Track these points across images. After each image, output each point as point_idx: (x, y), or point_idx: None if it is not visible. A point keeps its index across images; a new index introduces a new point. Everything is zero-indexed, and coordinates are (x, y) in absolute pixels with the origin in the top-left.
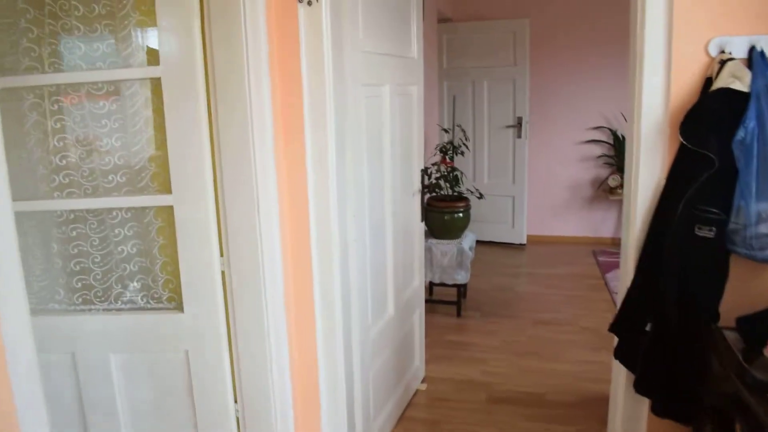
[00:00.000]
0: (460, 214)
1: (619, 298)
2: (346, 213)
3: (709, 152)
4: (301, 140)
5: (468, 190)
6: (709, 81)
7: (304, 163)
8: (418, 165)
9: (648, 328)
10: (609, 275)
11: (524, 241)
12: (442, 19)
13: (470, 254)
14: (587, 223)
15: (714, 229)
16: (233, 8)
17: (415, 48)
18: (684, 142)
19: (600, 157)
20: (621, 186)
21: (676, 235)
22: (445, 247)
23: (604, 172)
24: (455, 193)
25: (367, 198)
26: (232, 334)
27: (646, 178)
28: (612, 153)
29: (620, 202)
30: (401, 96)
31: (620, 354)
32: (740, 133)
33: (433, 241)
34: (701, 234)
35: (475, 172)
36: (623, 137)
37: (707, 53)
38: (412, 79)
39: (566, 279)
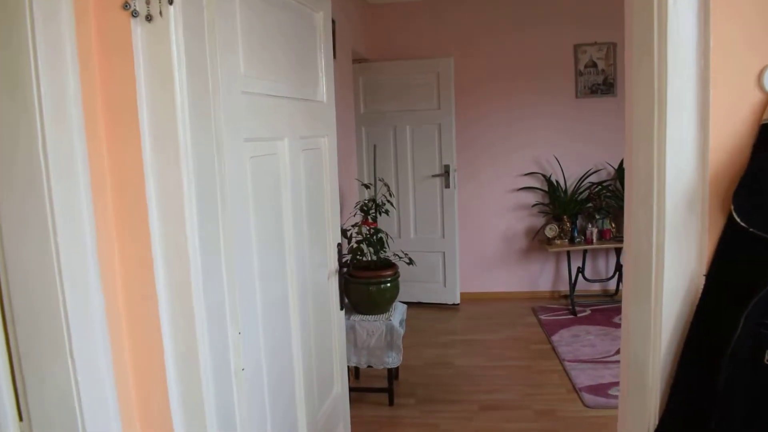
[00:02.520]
0: (388, 284)
1: None
2: (228, 331)
3: None
4: (142, 231)
5: (395, 254)
6: (766, 128)
7: (150, 264)
8: (333, 238)
9: None
10: (555, 338)
11: (458, 301)
12: (358, 59)
13: (401, 331)
14: (524, 277)
15: None
16: (15, 23)
17: (324, 90)
18: (739, 222)
19: (535, 205)
20: (559, 236)
21: (736, 364)
22: (371, 325)
23: (538, 221)
24: (380, 259)
25: (261, 300)
26: None
27: (675, 275)
28: (546, 201)
29: (558, 254)
30: (307, 151)
31: None
32: None
33: (357, 318)
34: None
35: (401, 227)
36: (557, 183)
37: (761, 87)
38: (321, 128)
39: (509, 346)
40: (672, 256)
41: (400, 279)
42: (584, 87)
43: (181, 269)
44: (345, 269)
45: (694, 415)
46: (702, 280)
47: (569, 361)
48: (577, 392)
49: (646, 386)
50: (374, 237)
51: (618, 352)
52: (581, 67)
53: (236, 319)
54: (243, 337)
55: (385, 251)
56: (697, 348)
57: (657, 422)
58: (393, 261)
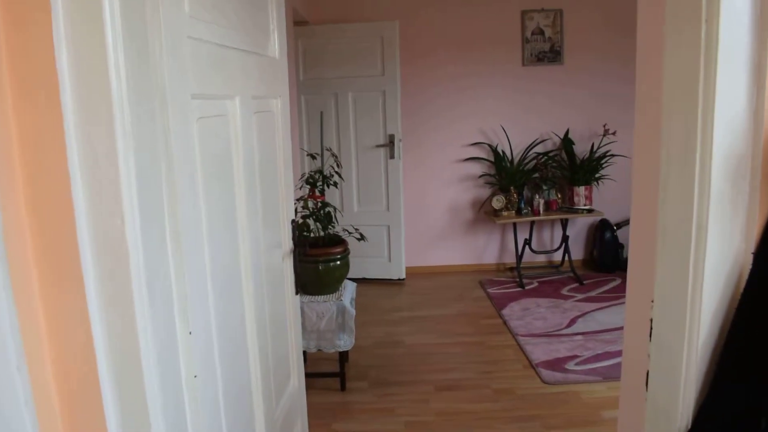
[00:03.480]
0: (338, 262)
1: None
2: (177, 331)
3: None
4: (63, 212)
5: (345, 229)
6: None
7: (75, 252)
8: (288, 214)
9: None
10: (505, 312)
11: (403, 276)
12: (298, 22)
13: (353, 311)
14: (470, 250)
15: None
16: None
17: (276, 43)
18: None
19: (481, 176)
20: (506, 208)
21: None
22: (321, 307)
23: (485, 192)
24: (329, 235)
25: (213, 291)
26: None
27: (717, 252)
28: (493, 171)
29: (504, 226)
30: (260, 114)
31: None
32: None
33: (305, 299)
34: None
35: (343, 199)
36: (503, 153)
37: None
38: (274, 87)
39: (459, 321)
40: (715, 231)
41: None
42: (531, 55)
43: (116, 259)
44: (302, 248)
45: (737, 419)
46: (749, 259)
47: (522, 335)
48: (533, 368)
49: (678, 382)
50: (322, 211)
51: (570, 324)
52: (528, 34)
53: (186, 316)
54: (194, 337)
55: (333, 227)
56: (742, 337)
57: (690, 423)
58: (342, 237)
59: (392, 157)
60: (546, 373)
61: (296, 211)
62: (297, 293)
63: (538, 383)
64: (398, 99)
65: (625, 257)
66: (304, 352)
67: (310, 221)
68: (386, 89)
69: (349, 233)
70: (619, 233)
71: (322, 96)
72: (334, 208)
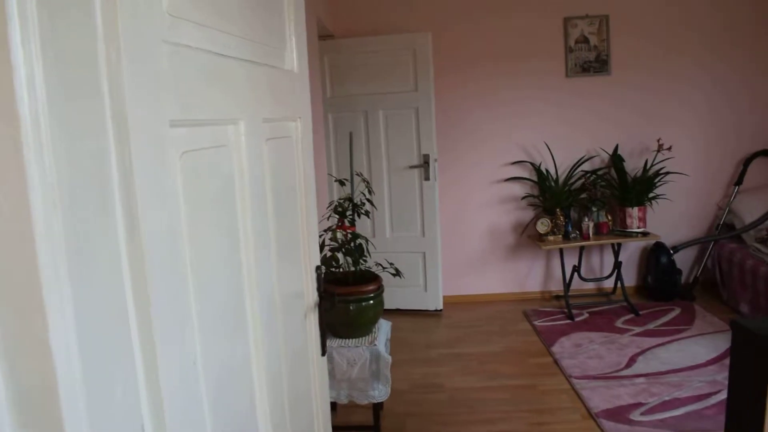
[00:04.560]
0: (371, 301)
1: None
2: None
3: None
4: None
5: (377, 264)
6: None
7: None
8: (311, 259)
9: None
10: (555, 349)
11: (440, 306)
12: (323, 36)
13: (388, 358)
14: (512, 277)
15: None
16: None
17: (294, 54)
18: None
19: (524, 198)
20: (552, 232)
21: None
22: (352, 352)
23: (526, 215)
24: (360, 271)
25: (206, 382)
26: None
27: None
28: (536, 192)
29: (549, 252)
30: (273, 141)
31: None
32: None
33: (334, 343)
34: None
35: (375, 225)
36: (547, 172)
37: None
38: (292, 108)
39: (505, 360)
40: None
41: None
42: (575, 65)
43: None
44: (329, 300)
45: None
46: None
47: (577, 378)
48: (593, 418)
49: None
50: (352, 244)
51: (630, 363)
52: (571, 43)
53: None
54: None
55: (365, 260)
56: None
57: None
58: (375, 272)
59: (427, 178)
60: (609, 426)
61: (323, 244)
62: (324, 354)
63: None
64: (432, 116)
65: (683, 284)
66: (334, 403)
67: (339, 255)
68: (419, 106)
69: (383, 268)
70: (677, 257)
71: (351, 114)
72: (366, 240)
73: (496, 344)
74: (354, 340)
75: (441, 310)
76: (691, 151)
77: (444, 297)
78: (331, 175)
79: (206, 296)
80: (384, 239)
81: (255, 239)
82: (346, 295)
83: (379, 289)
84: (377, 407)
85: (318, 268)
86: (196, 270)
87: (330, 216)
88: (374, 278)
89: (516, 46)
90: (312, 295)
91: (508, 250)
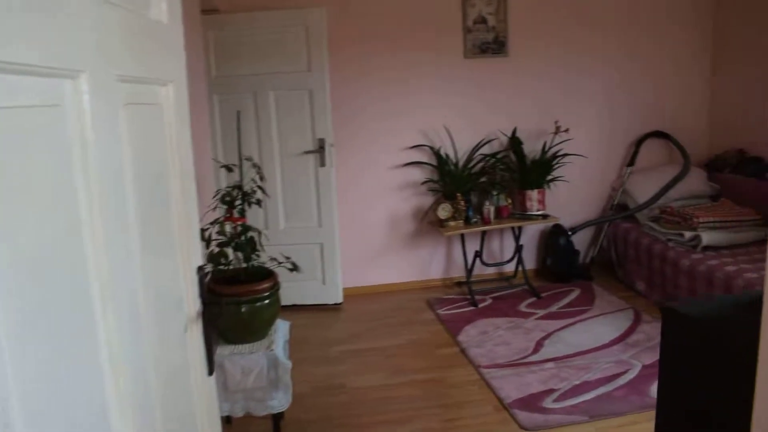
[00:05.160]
0: (266, 301)
1: None
2: None
3: None
4: None
5: (272, 258)
6: None
7: None
8: (191, 257)
9: None
10: (462, 338)
11: (340, 300)
12: (206, 10)
13: (288, 363)
14: (414, 265)
15: None
16: None
17: (164, 3)
18: None
19: (424, 183)
20: (453, 217)
21: None
22: (247, 360)
23: (427, 200)
24: (253, 267)
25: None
26: None
27: None
28: (436, 177)
29: (450, 238)
30: (135, 107)
31: None
32: None
33: (225, 350)
34: None
35: (267, 215)
36: (447, 156)
37: None
38: (162, 67)
39: (411, 353)
40: None
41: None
42: (473, 46)
43: None
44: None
45: None
46: None
47: (486, 367)
48: (506, 409)
49: None
50: (243, 237)
51: (537, 348)
52: (470, 23)
53: None
54: None
55: (258, 255)
56: None
57: None
58: (270, 268)
59: (323, 164)
60: (523, 416)
61: (209, 239)
62: (211, 373)
63: (516, 429)
64: (327, 98)
65: (581, 264)
66: (229, 416)
67: (228, 250)
68: (313, 87)
69: (279, 263)
70: (574, 238)
71: (239, 96)
72: (259, 232)
73: (400, 337)
74: (248, 345)
75: (341, 304)
76: (588, 132)
77: (344, 289)
78: (217, 161)
79: (26, 309)
80: (278, 231)
81: (108, 232)
82: (238, 295)
83: (275, 287)
84: (277, 417)
85: (200, 269)
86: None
87: (217, 206)
88: (269, 275)
89: (414, 26)
90: (194, 302)
91: (409, 237)
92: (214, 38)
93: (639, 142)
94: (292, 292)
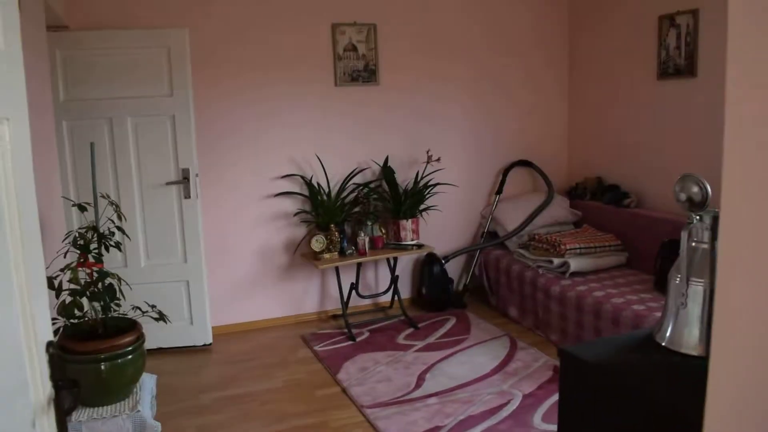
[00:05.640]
0: (129, 357)
1: None
2: None
3: None
4: None
5: (135, 307)
6: None
7: None
8: (35, 331)
9: None
10: (342, 376)
11: (210, 340)
12: (53, 26)
13: (156, 425)
14: (287, 300)
15: None
16: None
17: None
18: None
19: (297, 214)
20: (328, 249)
21: None
22: (109, 426)
23: (299, 232)
24: (112, 318)
25: None
26: None
27: None
28: (309, 207)
29: (325, 270)
30: None
31: None
32: None
33: (83, 415)
34: None
35: (127, 253)
36: (319, 186)
37: None
38: None
39: (289, 396)
40: None
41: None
42: (344, 74)
43: None
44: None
45: None
46: None
47: (369, 407)
48: None
49: None
50: (101, 284)
51: (419, 383)
52: (340, 51)
53: None
54: None
55: (118, 304)
56: None
57: None
58: (132, 318)
59: (187, 196)
60: None
61: (59, 287)
62: None
63: None
64: (192, 124)
65: (455, 292)
66: None
67: (84, 300)
68: (176, 113)
69: (143, 312)
70: (448, 267)
71: (91, 121)
72: (118, 279)
73: (276, 378)
74: (110, 407)
75: (210, 345)
76: (457, 161)
77: (213, 328)
78: (68, 199)
79: None
80: (138, 269)
81: None
82: (96, 352)
83: (139, 340)
84: None
85: (50, 345)
86: None
87: (68, 251)
88: (132, 326)
89: (284, 52)
90: (43, 388)
91: (282, 270)
92: (61, 57)
93: (506, 171)
94: (156, 335)
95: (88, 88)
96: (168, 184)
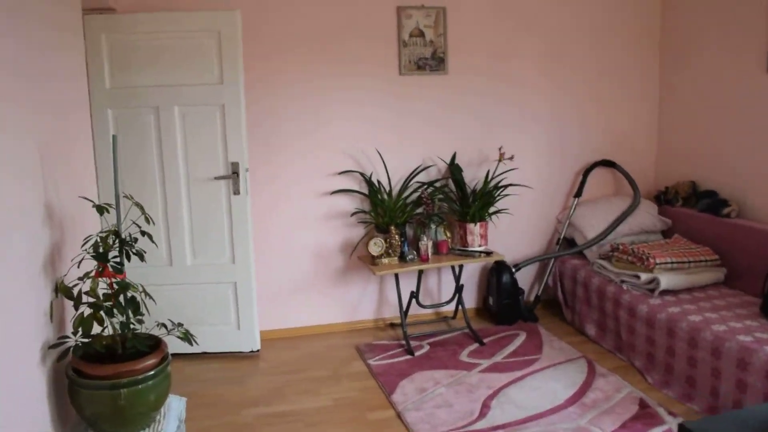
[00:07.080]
0: (150, 382)
1: None
2: None
3: None
4: None
5: (159, 323)
6: None
7: None
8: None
9: None
10: (397, 397)
11: (257, 347)
12: (99, 9)
13: None
14: (341, 305)
15: None
16: None
17: None
18: None
19: (354, 213)
20: (386, 253)
21: None
22: None
23: (357, 233)
24: (135, 337)
25: None
26: None
27: None
28: (368, 207)
29: (382, 277)
30: None
31: None
32: None
33: None
34: None
35: (171, 250)
36: (380, 183)
37: None
38: None
39: (338, 418)
40: None
41: None
42: (409, 61)
43: None
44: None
45: None
46: None
47: None
48: None
49: None
50: (122, 297)
51: (484, 411)
52: (406, 37)
53: None
54: None
55: (141, 320)
56: None
57: None
58: (157, 335)
59: (237, 192)
60: None
61: (79, 297)
62: None
63: None
64: (243, 115)
65: (525, 305)
66: None
67: (102, 314)
68: (226, 102)
69: (168, 330)
70: (518, 276)
71: (136, 110)
72: (143, 291)
73: (326, 395)
74: None
75: (258, 351)
76: (533, 160)
77: (262, 333)
78: (86, 198)
79: None
80: (184, 267)
81: None
82: (114, 377)
83: (164, 361)
84: None
85: None
86: None
87: (83, 258)
88: (156, 345)
89: (343, 37)
90: None
91: (336, 273)
92: (107, 42)
93: (586, 172)
94: (201, 337)
95: (132, 75)
96: (216, 178)
